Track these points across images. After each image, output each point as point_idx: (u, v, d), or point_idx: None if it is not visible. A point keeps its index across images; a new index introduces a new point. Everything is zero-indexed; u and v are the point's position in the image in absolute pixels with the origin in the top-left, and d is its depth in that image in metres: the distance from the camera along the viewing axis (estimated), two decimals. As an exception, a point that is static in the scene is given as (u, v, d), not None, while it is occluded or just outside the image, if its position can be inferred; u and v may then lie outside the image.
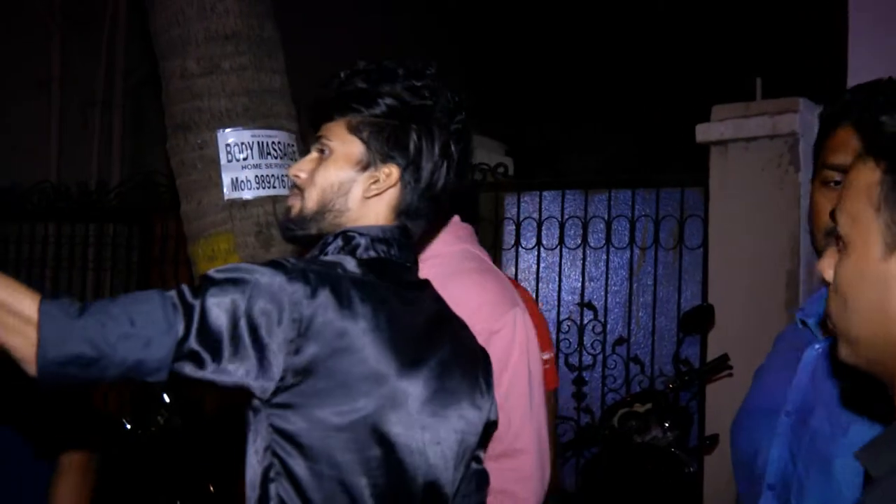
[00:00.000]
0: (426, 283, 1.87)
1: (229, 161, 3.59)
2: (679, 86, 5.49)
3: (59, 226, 7.02)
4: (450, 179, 1.86)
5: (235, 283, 1.62)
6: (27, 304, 1.56)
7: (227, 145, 3.59)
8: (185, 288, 1.62)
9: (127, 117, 7.94)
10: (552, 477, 2.17)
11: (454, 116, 1.86)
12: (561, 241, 5.17)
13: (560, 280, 5.19)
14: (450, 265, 2.09)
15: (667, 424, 3.95)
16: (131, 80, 7.92)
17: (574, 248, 5.17)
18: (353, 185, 1.80)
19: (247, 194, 3.57)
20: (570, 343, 5.12)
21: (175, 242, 6.40)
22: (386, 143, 1.80)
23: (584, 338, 5.10)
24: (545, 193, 5.25)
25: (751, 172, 4.50)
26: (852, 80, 4.44)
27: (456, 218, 2.24)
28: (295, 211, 1.83)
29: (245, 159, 3.60)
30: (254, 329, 1.59)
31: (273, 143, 3.65)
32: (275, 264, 1.66)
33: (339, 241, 1.79)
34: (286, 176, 3.72)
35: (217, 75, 3.59)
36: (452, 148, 1.85)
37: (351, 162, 1.80)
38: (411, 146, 1.80)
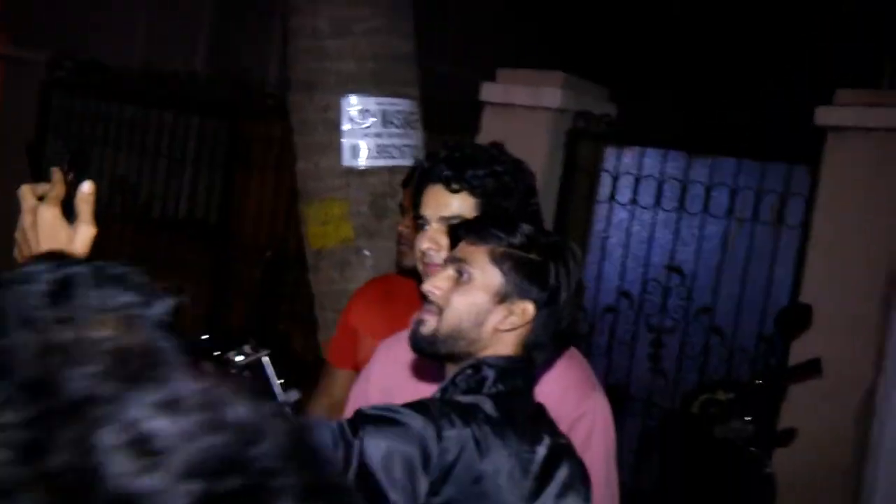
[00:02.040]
0: (543, 411, 1.89)
1: (351, 127, 3.57)
2: (797, 60, 5.31)
3: (145, 111, 7.03)
4: (577, 312, 1.88)
5: (390, 423, 1.67)
6: None
7: (351, 111, 3.57)
8: (345, 423, 1.67)
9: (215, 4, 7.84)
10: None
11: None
12: (657, 202, 5.12)
13: (651, 240, 5.16)
14: None
15: (748, 418, 3.98)
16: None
17: (670, 211, 5.12)
18: (488, 315, 1.82)
19: (365, 162, 3.56)
20: (653, 303, 5.13)
21: (263, 146, 6.41)
22: (526, 278, 1.81)
23: (668, 301, 5.10)
24: (647, 150, 5.17)
25: (867, 164, 4.41)
26: None
27: None
28: (428, 329, 1.85)
29: (367, 127, 3.58)
30: (404, 472, 1.64)
31: (397, 111, 3.62)
32: (421, 408, 1.71)
33: (469, 371, 1.83)
34: (406, 146, 3.71)
35: (348, 38, 3.54)
36: (583, 282, 1.89)
37: (490, 293, 1.82)
38: (550, 283, 1.82)
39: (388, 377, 2.25)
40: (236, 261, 6.51)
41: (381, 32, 3.58)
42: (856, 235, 4.38)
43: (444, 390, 1.83)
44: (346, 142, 3.56)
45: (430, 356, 1.90)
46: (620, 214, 5.29)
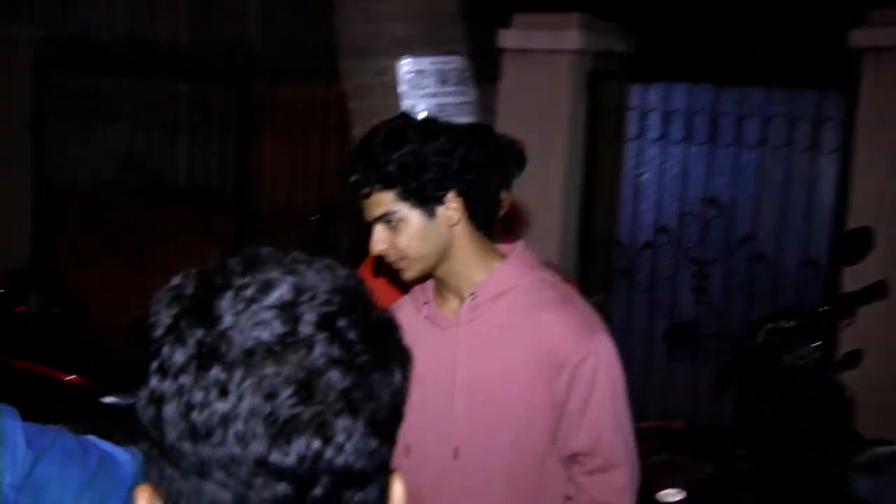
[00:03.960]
0: None
1: (408, 89, 3.53)
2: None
3: (149, 82, 6.91)
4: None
5: None
6: None
7: (407, 73, 3.53)
8: None
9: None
10: None
11: None
12: (688, 136, 5.12)
13: (685, 174, 5.17)
14: (529, 297, 2.14)
15: (814, 344, 4.01)
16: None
17: (701, 144, 5.13)
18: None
19: (425, 123, 3.53)
20: (691, 236, 5.15)
21: (271, 112, 6.33)
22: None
23: (708, 233, 5.12)
24: (672, 85, 5.16)
25: (906, 83, 4.42)
26: None
27: (520, 244, 2.26)
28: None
29: (424, 88, 3.55)
30: None
31: (451, 69, 3.59)
32: None
33: None
34: (463, 104, 3.68)
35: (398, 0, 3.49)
36: None
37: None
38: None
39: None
40: (257, 228, 6.46)
41: (429, -8, 3.54)
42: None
43: None
44: (405, 104, 3.53)
45: None
46: (651, 152, 5.29)
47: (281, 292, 0.78)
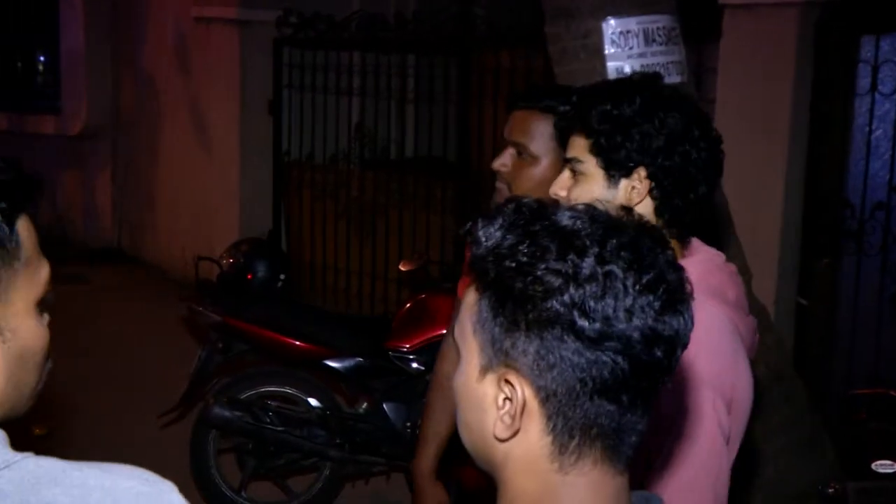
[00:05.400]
0: None
1: (614, 51, 3.50)
2: None
3: (377, 55, 7.18)
4: None
5: None
6: None
7: (613, 34, 3.50)
8: None
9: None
10: None
11: None
12: (925, 88, 4.80)
13: (921, 130, 4.86)
14: None
15: None
16: None
17: (940, 96, 4.80)
18: None
19: (632, 84, 3.49)
20: (929, 198, 4.85)
21: (493, 77, 6.43)
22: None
23: (948, 193, 4.80)
24: (909, 34, 4.85)
25: None
26: None
27: (695, 260, 1.93)
28: None
29: (630, 49, 3.50)
30: None
31: (658, 28, 3.53)
32: None
33: None
34: (671, 63, 3.62)
35: (603, -41, 3.46)
36: None
37: None
38: None
39: None
40: (479, 195, 6.59)
41: (635, -51, 3.48)
42: None
43: None
44: (611, 65, 3.49)
45: None
46: (884, 106, 4.99)
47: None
